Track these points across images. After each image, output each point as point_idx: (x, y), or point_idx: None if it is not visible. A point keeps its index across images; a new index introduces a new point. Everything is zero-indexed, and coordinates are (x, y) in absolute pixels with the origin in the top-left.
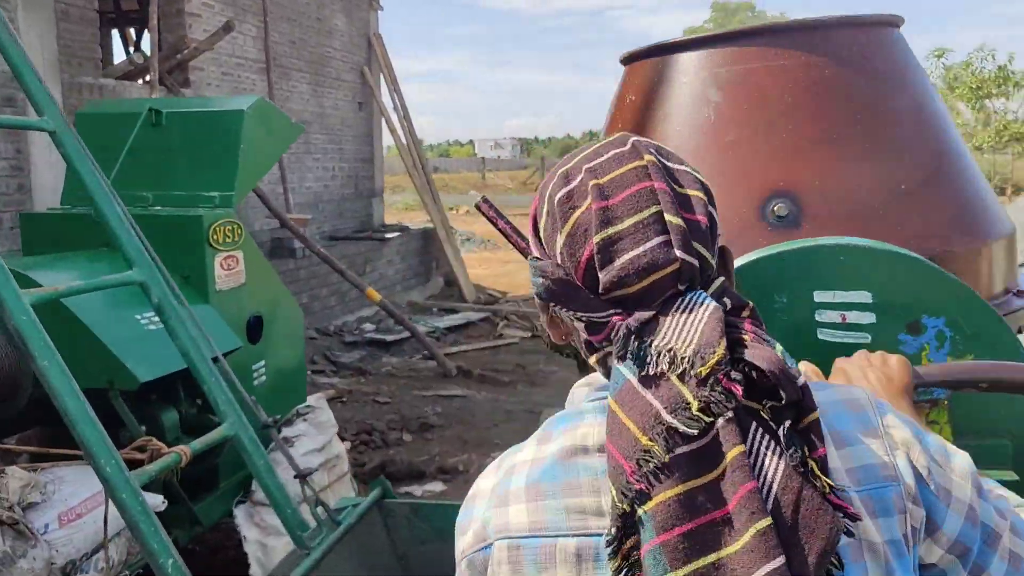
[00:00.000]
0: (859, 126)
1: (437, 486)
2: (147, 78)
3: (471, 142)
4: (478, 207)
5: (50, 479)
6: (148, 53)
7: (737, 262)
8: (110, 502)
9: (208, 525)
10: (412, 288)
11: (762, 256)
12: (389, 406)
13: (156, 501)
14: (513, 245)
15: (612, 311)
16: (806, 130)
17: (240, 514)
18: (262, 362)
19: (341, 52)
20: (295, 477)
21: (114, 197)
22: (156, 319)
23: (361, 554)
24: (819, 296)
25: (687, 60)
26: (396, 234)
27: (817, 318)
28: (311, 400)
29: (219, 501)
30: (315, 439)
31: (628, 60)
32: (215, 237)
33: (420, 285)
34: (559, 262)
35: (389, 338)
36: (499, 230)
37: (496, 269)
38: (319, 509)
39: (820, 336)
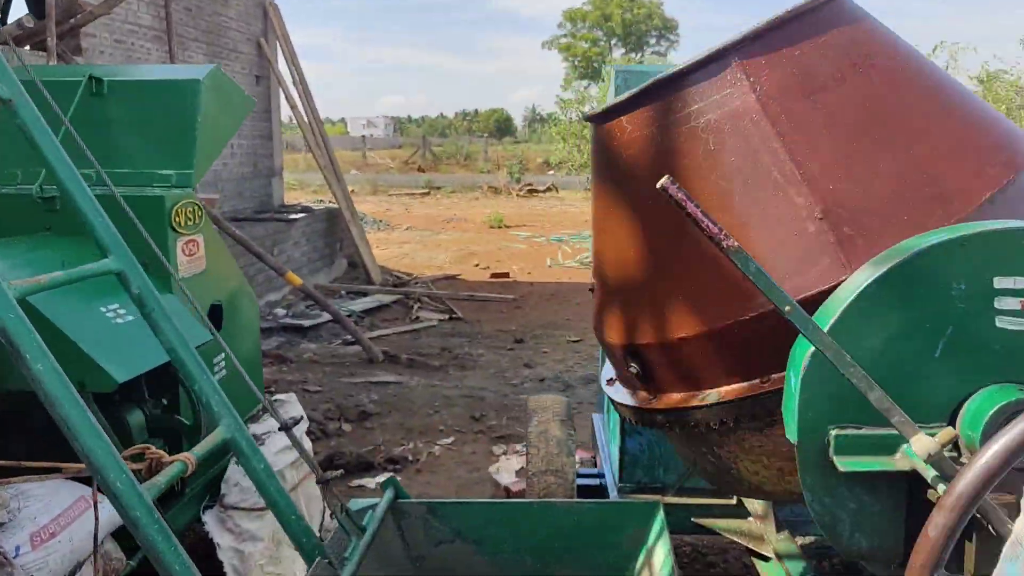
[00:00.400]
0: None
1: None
2: (34, 44)
3: (343, 120)
4: (664, 189)
5: (13, 494)
6: (35, 17)
7: (909, 248)
8: (101, 519)
9: (176, 533)
10: (318, 271)
11: (938, 242)
12: (320, 395)
13: None
14: (702, 230)
15: None
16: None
17: (210, 520)
18: (222, 355)
19: (237, 21)
20: (317, 482)
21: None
22: (122, 311)
23: (375, 559)
24: (999, 283)
25: (689, 96)
26: (302, 215)
27: (996, 306)
28: (280, 395)
29: (187, 507)
30: (286, 436)
31: (604, 117)
32: (177, 219)
33: (325, 267)
34: None
35: (306, 323)
36: (688, 213)
37: (394, 250)
38: (343, 515)
39: (998, 324)
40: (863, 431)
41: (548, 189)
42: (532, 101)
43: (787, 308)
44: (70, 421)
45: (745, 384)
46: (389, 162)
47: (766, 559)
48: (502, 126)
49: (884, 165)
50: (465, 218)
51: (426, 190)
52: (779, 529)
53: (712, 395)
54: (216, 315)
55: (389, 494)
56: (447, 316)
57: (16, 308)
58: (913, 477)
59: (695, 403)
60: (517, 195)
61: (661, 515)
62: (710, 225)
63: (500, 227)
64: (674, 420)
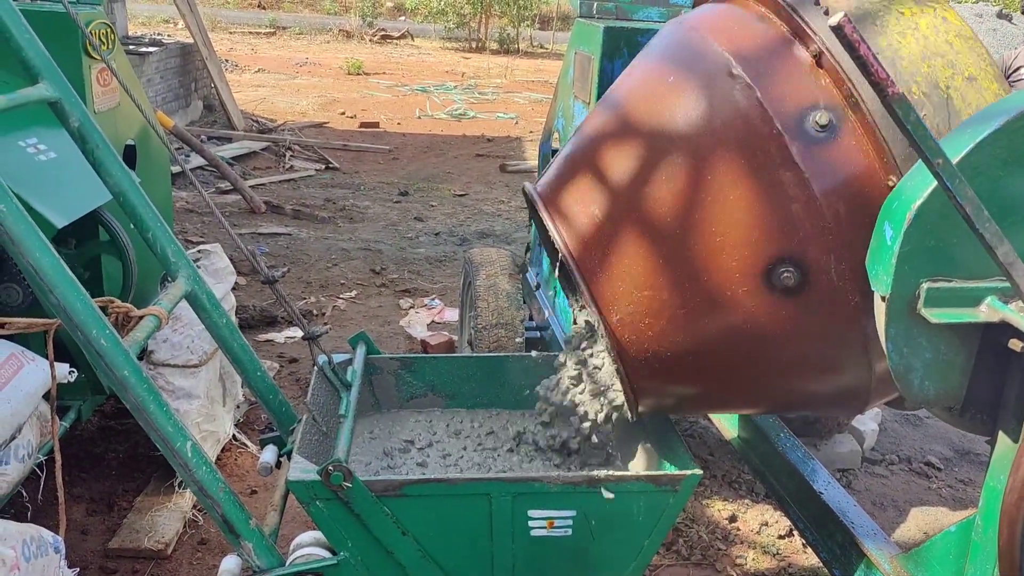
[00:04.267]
0: None
1: (297, 332)
2: None
3: None
4: (840, 28)
5: None
6: None
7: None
8: (33, 380)
9: (109, 393)
10: (172, 113)
11: None
12: None
13: (63, 371)
14: (871, 75)
15: None
16: None
17: None
18: None
19: None
20: (303, 338)
21: None
22: (42, 146)
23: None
24: None
25: None
26: (154, 49)
27: None
28: (206, 245)
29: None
30: (216, 289)
31: None
32: (90, 42)
33: (180, 110)
34: None
35: (175, 169)
36: (858, 56)
37: (250, 94)
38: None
39: None
40: (953, 284)
41: (403, 36)
42: None
43: (939, 161)
44: (44, 272)
45: None
46: None
47: None
48: None
49: None
50: (319, 63)
51: (271, 30)
52: None
53: None
54: (130, 158)
55: (362, 349)
56: (323, 166)
57: None
58: (990, 328)
59: None
60: (371, 40)
61: None
62: (879, 70)
63: (359, 74)
64: None
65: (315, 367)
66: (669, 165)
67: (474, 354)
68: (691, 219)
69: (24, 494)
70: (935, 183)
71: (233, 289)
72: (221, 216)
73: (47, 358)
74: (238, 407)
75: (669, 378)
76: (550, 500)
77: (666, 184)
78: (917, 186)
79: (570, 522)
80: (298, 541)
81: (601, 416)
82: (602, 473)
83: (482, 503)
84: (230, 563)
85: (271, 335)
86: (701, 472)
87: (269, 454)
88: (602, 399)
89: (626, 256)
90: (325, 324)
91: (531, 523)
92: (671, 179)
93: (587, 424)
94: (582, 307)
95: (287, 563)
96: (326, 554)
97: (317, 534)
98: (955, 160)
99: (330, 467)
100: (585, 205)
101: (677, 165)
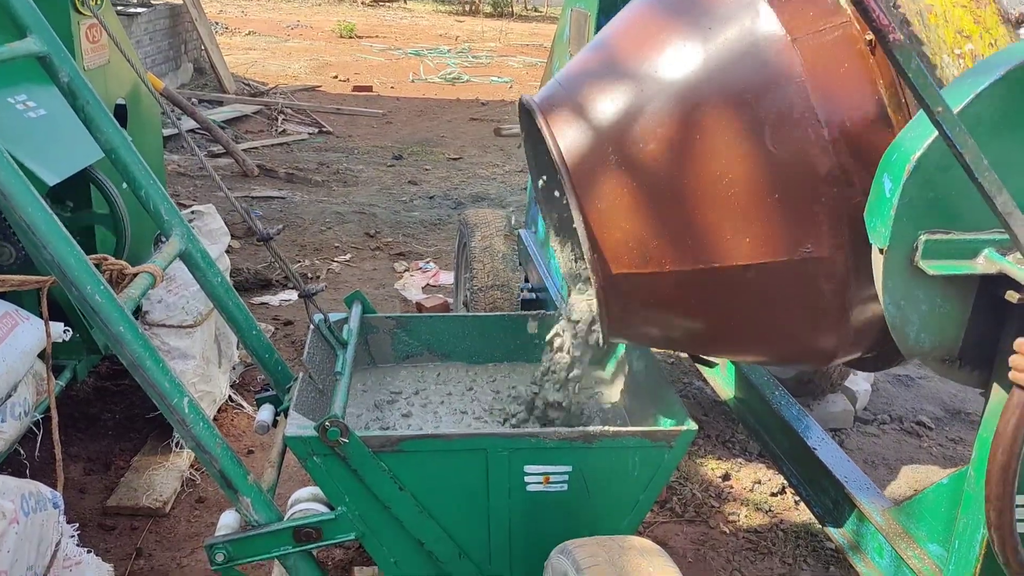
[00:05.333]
0: None
1: (292, 295)
2: None
3: None
4: None
5: None
6: None
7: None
8: (27, 339)
9: (104, 354)
10: (162, 76)
11: None
12: None
13: (58, 330)
14: (872, 21)
15: None
16: None
17: None
18: None
19: None
20: (299, 296)
21: None
22: (31, 103)
23: None
24: None
25: None
26: (143, 10)
27: None
28: (199, 205)
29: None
30: (210, 251)
31: None
32: None
33: (170, 72)
34: None
35: (165, 132)
36: (859, 1)
37: (241, 57)
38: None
39: None
40: (951, 236)
41: None
42: None
43: (939, 109)
44: (37, 228)
45: None
46: None
47: (711, 364)
48: None
49: None
50: (310, 25)
51: None
52: None
53: None
54: (121, 117)
55: (358, 308)
56: (316, 130)
57: None
58: (987, 280)
59: None
60: (363, 3)
61: None
62: (880, 16)
63: (351, 37)
64: None
65: (311, 326)
66: (672, 90)
67: (470, 314)
68: (689, 147)
69: (21, 452)
70: (934, 135)
71: (227, 251)
72: (215, 175)
73: (41, 317)
74: (234, 368)
75: (648, 303)
76: (546, 456)
77: (668, 108)
78: (917, 137)
79: (566, 477)
80: (296, 496)
81: (576, 342)
82: (598, 428)
83: (479, 458)
84: (228, 518)
85: (266, 298)
86: (696, 428)
87: (266, 412)
88: (578, 327)
89: (619, 175)
90: (327, 287)
91: (527, 478)
92: (674, 105)
93: (563, 356)
94: (573, 254)
95: (285, 518)
96: (324, 509)
97: (315, 490)
98: (956, 109)
99: (327, 423)
100: (583, 120)
101: (681, 91)
